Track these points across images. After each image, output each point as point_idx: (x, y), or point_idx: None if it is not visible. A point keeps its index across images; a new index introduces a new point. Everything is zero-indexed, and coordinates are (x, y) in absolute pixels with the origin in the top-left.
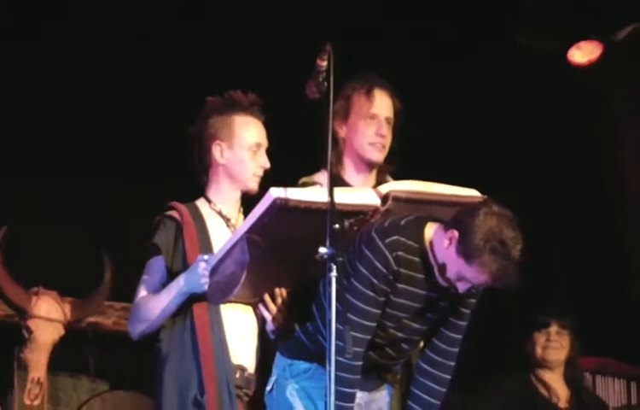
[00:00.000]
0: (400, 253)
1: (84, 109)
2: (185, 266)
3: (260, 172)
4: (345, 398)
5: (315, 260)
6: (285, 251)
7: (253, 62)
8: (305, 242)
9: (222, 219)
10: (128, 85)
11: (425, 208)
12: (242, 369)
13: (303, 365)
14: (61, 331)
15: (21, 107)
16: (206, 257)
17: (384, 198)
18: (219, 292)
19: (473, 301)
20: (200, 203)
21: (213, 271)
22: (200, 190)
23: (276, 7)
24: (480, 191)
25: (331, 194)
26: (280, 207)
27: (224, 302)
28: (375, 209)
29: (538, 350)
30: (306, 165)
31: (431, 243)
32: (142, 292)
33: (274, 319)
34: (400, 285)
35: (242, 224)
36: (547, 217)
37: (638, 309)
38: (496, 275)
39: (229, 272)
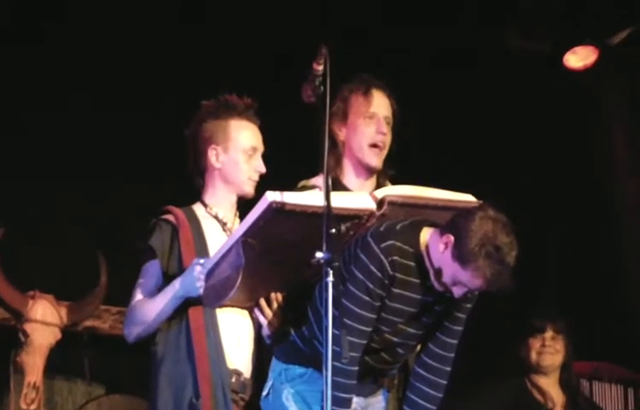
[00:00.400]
0: (396, 257)
1: (83, 111)
2: (181, 269)
3: (256, 177)
4: (341, 403)
5: (311, 264)
6: (281, 255)
7: (252, 65)
8: (300, 245)
9: (218, 222)
10: (127, 85)
11: (421, 213)
12: (238, 373)
13: (299, 369)
14: (58, 335)
15: (21, 107)
16: (201, 261)
17: (380, 203)
18: (215, 296)
19: (468, 305)
20: (196, 207)
21: (209, 274)
22: (198, 193)
23: (274, 9)
24: (474, 195)
25: (327, 198)
26: (276, 210)
27: (220, 306)
28: (371, 214)
29: (533, 355)
30: (306, 168)
31: (427, 248)
32: (138, 296)
33: (270, 323)
34: (396, 290)
35: (238, 227)
36: (541, 221)
37: (634, 313)
38: (490, 280)
39: (225, 276)
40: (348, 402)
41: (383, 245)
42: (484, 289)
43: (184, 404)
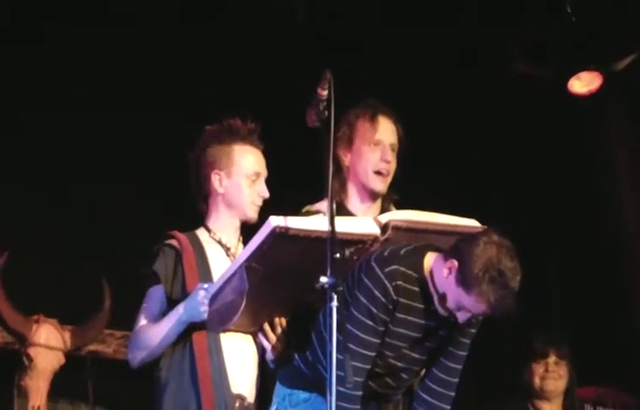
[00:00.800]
0: (399, 282)
1: (87, 129)
2: (185, 294)
3: (259, 202)
4: None
5: (315, 288)
6: (284, 279)
7: (256, 89)
8: (304, 270)
9: (221, 247)
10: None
11: (424, 238)
12: (242, 398)
13: (302, 394)
14: (62, 359)
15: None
16: (205, 285)
17: (384, 227)
18: (219, 320)
19: (472, 330)
20: (200, 232)
21: (213, 299)
22: (200, 219)
23: (279, 34)
24: (477, 219)
25: (332, 223)
26: (279, 235)
27: (224, 331)
28: (375, 238)
29: (537, 380)
30: (310, 193)
31: (431, 273)
32: (142, 320)
33: (273, 347)
34: (399, 315)
35: (242, 252)
36: (544, 245)
37: (638, 339)
38: (495, 305)
39: (229, 301)
40: None
41: (387, 270)
42: (488, 314)
43: None
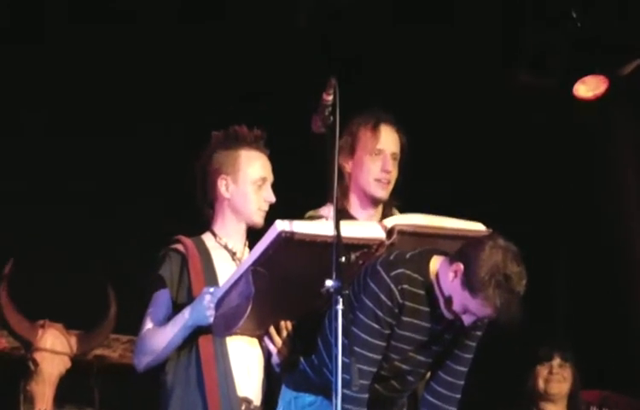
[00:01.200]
0: (405, 286)
1: (91, 134)
2: (190, 298)
3: (266, 207)
4: None
5: (320, 293)
6: (290, 284)
7: (259, 93)
8: (310, 275)
9: (227, 252)
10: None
11: (430, 242)
12: (248, 401)
13: (308, 397)
14: (67, 364)
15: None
16: (211, 290)
17: (389, 232)
18: (225, 325)
19: (478, 333)
20: (206, 237)
21: (219, 303)
22: (205, 224)
23: (282, 38)
24: (482, 223)
25: (337, 227)
26: (285, 240)
27: (230, 335)
28: (381, 243)
29: (541, 383)
30: (312, 198)
31: (436, 276)
32: (148, 325)
33: (279, 351)
34: (405, 318)
35: (248, 256)
36: (549, 249)
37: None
38: (500, 309)
39: (235, 305)
40: None
41: (393, 273)
42: (494, 318)
43: None
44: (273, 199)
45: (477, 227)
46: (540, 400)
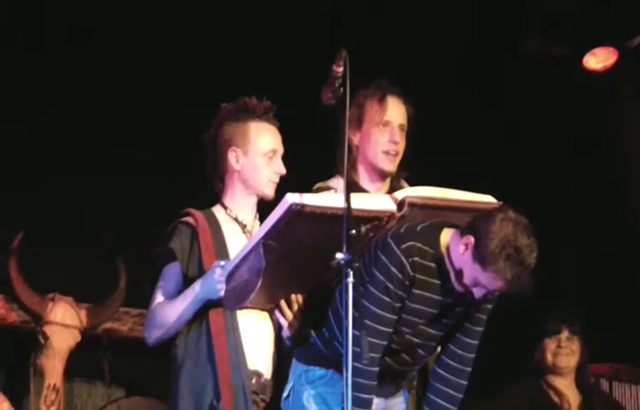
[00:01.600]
0: (416, 258)
1: (100, 110)
2: (201, 272)
3: (276, 179)
4: (361, 404)
5: (331, 265)
6: (301, 257)
7: (267, 67)
8: (320, 247)
9: (238, 225)
10: (145, 84)
11: (440, 214)
12: (258, 375)
13: (319, 371)
14: (77, 337)
15: (38, 107)
16: (222, 263)
17: (400, 204)
18: (235, 298)
19: (489, 306)
20: (216, 209)
21: (229, 277)
22: (215, 197)
23: (291, 12)
24: (493, 196)
25: (347, 199)
26: (296, 212)
27: (240, 308)
28: (391, 215)
29: (549, 356)
30: (321, 170)
31: (447, 249)
32: (158, 298)
33: (290, 325)
34: (416, 291)
35: (258, 230)
36: (558, 221)
37: None
38: (511, 282)
39: (245, 278)
40: (369, 403)
41: (404, 246)
42: (504, 291)
43: (205, 406)
44: (284, 171)
45: (487, 199)
46: (548, 373)
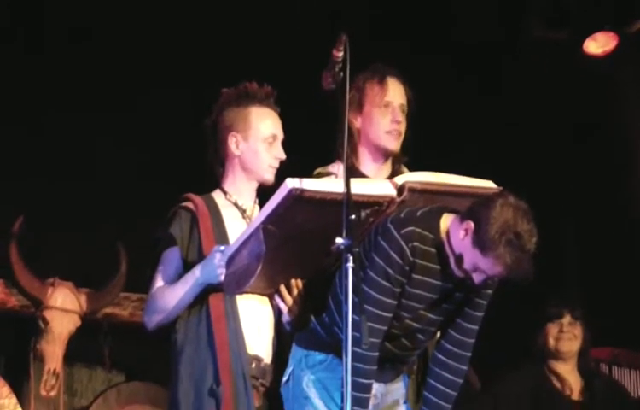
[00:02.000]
0: (416, 243)
1: (98, 109)
2: (201, 257)
3: (276, 164)
4: (361, 389)
5: (331, 250)
6: (301, 242)
7: (267, 53)
8: (320, 232)
9: (237, 210)
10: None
11: (440, 199)
12: (258, 359)
13: (319, 356)
14: (77, 322)
15: (37, 102)
16: (222, 248)
17: (400, 189)
18: (235, 283)
19: (489, 291)
20: (216, 194)
21: (229, 262)
22: (215, 183)
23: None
24: (493, 181)
25: (347, 184)
26: (296, 197)
27: (240, 293)
28: (391, 200)
29: (551, 341)
30: (320, 156)
31: (447, 234)
32: (158, 283)
33: (290, 310)
34: (416, 276)
35: (258, 215)
36: (559, 207)
37: None
38: (511, 267)
39: (245, 263)
40: (368, 388)
41: (404, 231)
42: (504, 277)
43: (205, 391)
44: (284, 156)
45: (487, 184)
46: (550, 358)
